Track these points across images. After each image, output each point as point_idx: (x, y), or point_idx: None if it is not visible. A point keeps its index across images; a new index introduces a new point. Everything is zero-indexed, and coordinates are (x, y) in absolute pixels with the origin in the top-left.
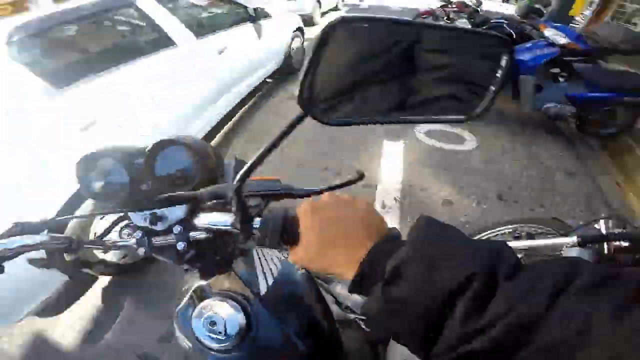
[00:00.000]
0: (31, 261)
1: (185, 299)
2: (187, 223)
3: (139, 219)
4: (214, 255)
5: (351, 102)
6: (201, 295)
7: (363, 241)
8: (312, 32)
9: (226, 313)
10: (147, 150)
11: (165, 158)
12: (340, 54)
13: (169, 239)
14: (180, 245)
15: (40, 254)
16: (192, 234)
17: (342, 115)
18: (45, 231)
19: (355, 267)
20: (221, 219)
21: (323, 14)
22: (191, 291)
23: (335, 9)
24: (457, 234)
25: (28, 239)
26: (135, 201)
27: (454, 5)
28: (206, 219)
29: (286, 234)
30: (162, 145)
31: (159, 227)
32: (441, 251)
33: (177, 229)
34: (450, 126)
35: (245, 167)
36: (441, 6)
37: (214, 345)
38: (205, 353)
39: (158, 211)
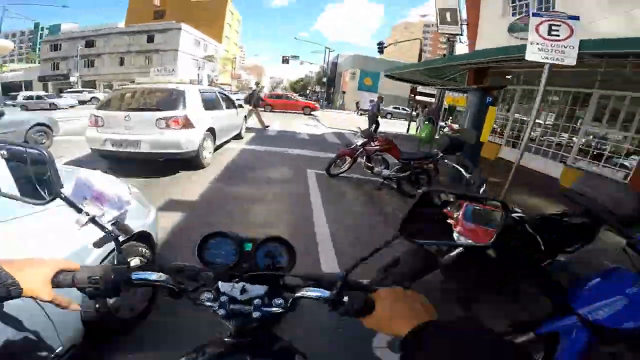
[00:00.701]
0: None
1: None
2: (265, 299)
3: (227, 287)
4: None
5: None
6: None
7: (410, 321)
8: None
9: None
10: (258, 241)
11: (266, 250)
12: None
13: (245, 308)
14: (256, 314)
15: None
16: (265, 308)
17: (425, 238)
18: (162, 274)
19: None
20: (318, 293)
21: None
22: None
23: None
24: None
25: (155, 276)
26: (231, 274)
27: (375, 143)
28: (299, 292)
29: (363, 308)
30: (266, 241)
31: (242, 297)
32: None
33: (257, 301)
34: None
35: (355, 263)
36: (362, 144)
37: None
38: None
39: (247, 285)
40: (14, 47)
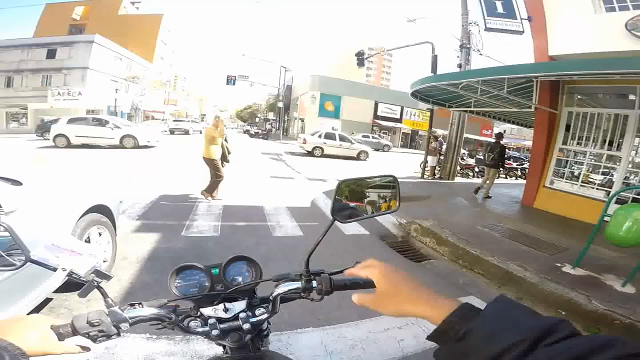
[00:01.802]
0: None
1: None
2: (248, 312)
3: (210, 311)
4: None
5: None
6: None
7: (443, 303)
8: None
9: None
10: (223, 264)
11: (232, 269)
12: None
13: (234, 324)
14: (247, 326)
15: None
16: (252, 318)
17: (350, 216)
18: (154, 309)
19: (438, 321)
20: (289, 286)
21: None
22: None
23: None
24: (523, 311)
25: (147, 312)
26: (208, 299)
27: None
28: (274, 292)
29: (341, 284)
30: (230, 261)
31: (227, 315)
32: (502, 325)
33: (242, 314)
34: None
35: (309, 252)
36: None
37: None
38: None
39: (227, 304)
40: None
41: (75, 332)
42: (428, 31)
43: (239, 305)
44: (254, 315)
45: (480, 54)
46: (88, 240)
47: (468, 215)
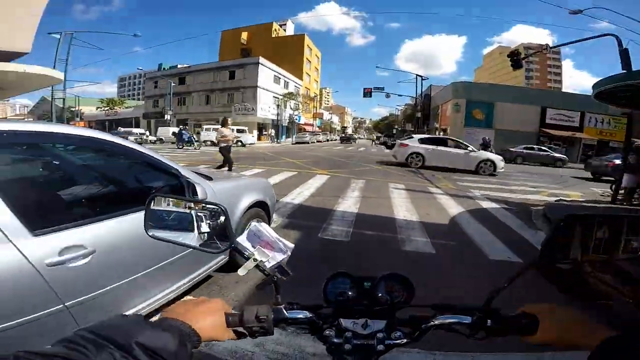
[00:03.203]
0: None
1: None
2: (385, 333)
3: (348, 323)
4: None
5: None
6: None
7: (591, 333)
8: None
9: None
10: (377, 279)
11: (384, 286)
12: None
13: (369, 342)
14: (380, 347)
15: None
16: (388, 341)
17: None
18: (308, 312)
19: (592, 346)
20: (456, 319)
21: None
22: None
23: None
24: None
25: (302, 314)
26: (351, 311)
27: None
28: (431, 322)
29: (522, 327)
30: (384, 278)
31: (365, 332)
32: None
33: (380, 334)
34: None
35: (498, 289)
36: None
37: None
38: None
39: (369, 320)
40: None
41: (242, 323)
42: (608, 22)
43: (378, 325)
44: (390, 338)
45: None
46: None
47: None
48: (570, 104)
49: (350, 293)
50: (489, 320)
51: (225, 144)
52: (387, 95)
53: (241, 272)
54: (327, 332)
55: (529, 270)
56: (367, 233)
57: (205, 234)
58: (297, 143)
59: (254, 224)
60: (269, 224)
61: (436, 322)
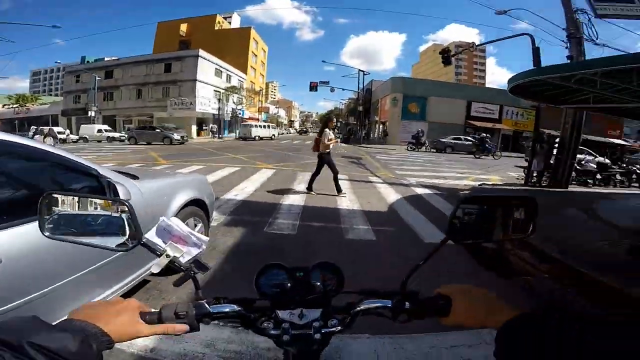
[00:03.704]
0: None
1: None
2: (321, 321)
3: (285, 314)
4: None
5: None
6: None
7: (500, 313)
8: None
9: None
10: (309, 268)
11: (316, 275)
12: None
13: (307, 332)
14: (317, 336)
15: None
16: (325, 329)
17: (468, 237)
18: (235, 306)
19: (498, 326)
20: (378, 303)
21: None
22: None
23: None
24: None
25: (229, 308)
26: (286, 302)
27: None
28: (357, 307)
29: (439, 308)
30: (316, 267)
31: (301, 322)
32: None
33: (316, 323)
34: None
35: (410, 272)
36: None
37: None
38: None
39: (305, 310)
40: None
41: (161, 321)
42: (527, 23)
43: (314, 314)
44: (326, 326)
45: (596, 44)
46: None
47: (583, 229)
48: (492, 98)
49: (284, 284)
50: (407, 303)
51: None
52: (332, 90)
53: (154, 269)
54: (265, 324)
55: (439, 249)
56: (314, 225)
57: (112, 232)
58: (241, 138)
59: (162, 218)
60: (209, 222)
61: (362, 307)
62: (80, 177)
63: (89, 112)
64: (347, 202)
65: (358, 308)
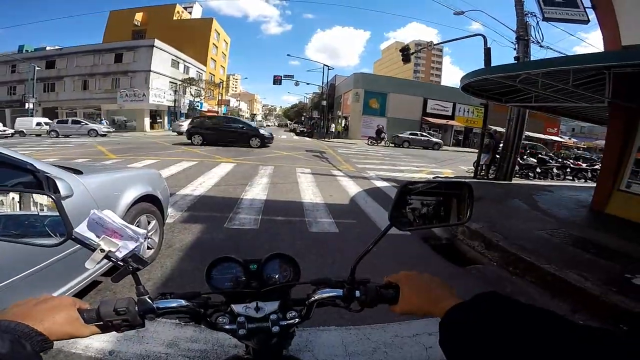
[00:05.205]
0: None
1: None
2: (279, 313)
3: (240, 308)
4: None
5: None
6: None
7: (444, 301)
8: None
9: None
10: (262, 260)
11: (270, 267)
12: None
13: (264, 325)
14: (275, 329)
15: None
16: (282, 322)
17: (411, 224)
18: (183, 301)
19: (442, 314)
20: (331, 293)
21: None
22: None
23: None
24: (516, 307)
25: (176, 303)
26: (241, 295)
27: None
28: (312, 298)
29: (388, 296)
30: (270, 258)
31: (258, 315)
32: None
33: (274, 316)
34: None
35: (357, 259)
36: None
37: None
38: None
39: (260, 303)
40: None
41: (99, 318)
42: (481, 24)
43: (271, 306)
44: (285, 319)
45: (541, 46)
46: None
47: (525, 218)
48: (446, 95)
49: (238, 277)
50: (357, 292)
51: None
52: (297, 84)
53: (88, 264)
54: (220, 319)
55: (383, 236)
56: (277, 219)
57: (41, 227)
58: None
59: (93, 211)
60: (163, 219)
61: (316, 297)
62: (12, 172)
63: (26, 104)
64: (310, 195)
65: (312, 298)
